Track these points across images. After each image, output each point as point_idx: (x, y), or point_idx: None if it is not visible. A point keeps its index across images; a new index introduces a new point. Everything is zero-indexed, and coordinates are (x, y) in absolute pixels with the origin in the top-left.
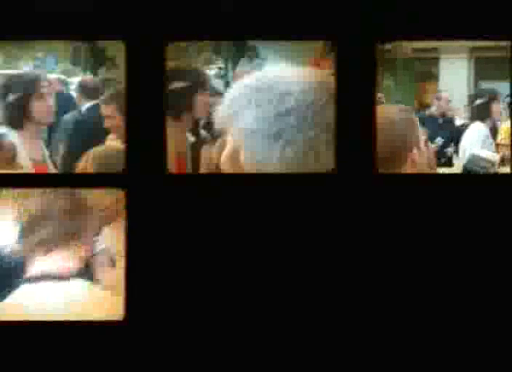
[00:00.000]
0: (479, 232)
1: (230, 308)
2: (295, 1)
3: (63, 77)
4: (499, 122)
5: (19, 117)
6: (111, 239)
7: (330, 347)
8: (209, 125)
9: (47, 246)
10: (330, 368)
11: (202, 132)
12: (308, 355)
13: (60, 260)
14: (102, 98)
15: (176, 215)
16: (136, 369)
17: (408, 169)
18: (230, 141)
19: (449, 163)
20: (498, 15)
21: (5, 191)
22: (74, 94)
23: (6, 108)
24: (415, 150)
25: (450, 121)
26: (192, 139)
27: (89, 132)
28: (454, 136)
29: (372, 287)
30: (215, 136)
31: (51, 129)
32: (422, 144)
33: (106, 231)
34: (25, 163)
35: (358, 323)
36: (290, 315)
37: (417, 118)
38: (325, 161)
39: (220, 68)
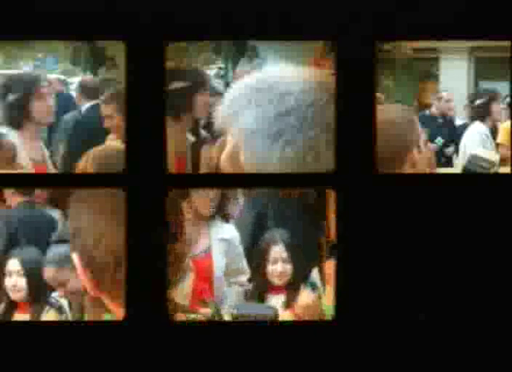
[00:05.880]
0: (478, 232)
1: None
2: (296, 1)
3: (63, 77)
4: (499, 122)
5: (19, 117)
6: None
7: None
8: (209, 125)
9: None
10: None
11: (202, 132)
12: None
13: None
14: (102, 98)
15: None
16: (136, 369)
17: (408, 169)
18: (230, 141)
19: (449, 163)
20: (498, 15)
21: None
22: (74, 94)
23: (6, 108)
24: (415, 150)
25: (450, 121)
26: (192, 139)
27: (89, 132)
28: (454, 136)
29: (373, 286)
30: (215, 136)
31: (51, 129)
32: (422, 144)
33: None
34: (25, 163)
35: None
36: None
37: (417, 118)
38: (325, 161)
39: (220, 68)
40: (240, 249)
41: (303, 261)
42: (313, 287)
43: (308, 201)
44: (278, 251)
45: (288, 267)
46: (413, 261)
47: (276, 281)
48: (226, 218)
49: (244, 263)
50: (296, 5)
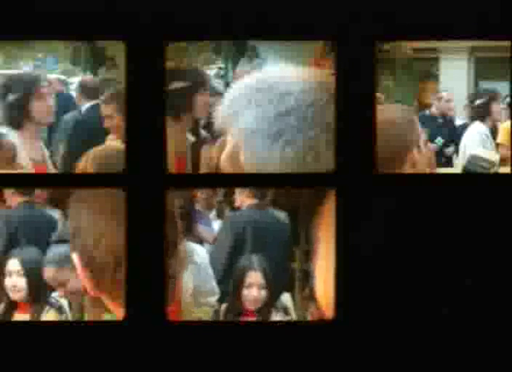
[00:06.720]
0: (479, 232)
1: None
2: (296, 1)
3: (63, 77)
4: (499, 122)
5: (19, 117)
6: None
7: None
8: (209, 125)
9: None
10: None
11: (202, 132)
12: None
13: None
14: (102, 98)
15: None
16: (136, 370)
17: (408, 169)
18: (229, 141)
19: (449, 163)
20: (498, 15)
21: None
22: (74, 94)
23: (6, 108)
24: (415, 150)
25: (450, 121)
26: (192, 139)
27: (89, 132)
28: (454, 136)
29: (373, 287)
30: (215, 136)
31: (51, 129)
32: (422, 144)
33: None
34: (25, 163)
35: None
36: None
37: (417, 118)
38: (325, 161)
39: (220, 68)
40: (210, 271)
41: (276, 286)
42: (285, 311)
43: (282, 226)
44: (254, 276)
45: (263, 293)
46: (413, 261)
47: (248, 305)
48: (198, 240)
49: (214, 284)
50: (296, 5)
